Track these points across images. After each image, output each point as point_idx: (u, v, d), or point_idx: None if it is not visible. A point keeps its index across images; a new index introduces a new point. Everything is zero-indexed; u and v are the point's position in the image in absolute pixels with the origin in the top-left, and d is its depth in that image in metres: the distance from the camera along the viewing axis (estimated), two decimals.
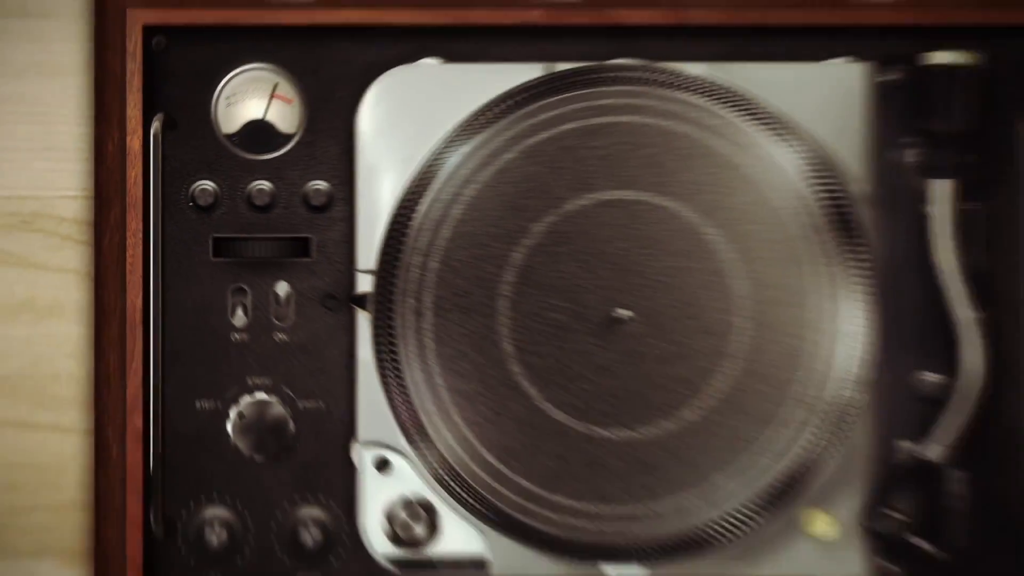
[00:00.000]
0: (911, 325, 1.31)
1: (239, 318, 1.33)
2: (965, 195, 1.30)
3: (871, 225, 1.29)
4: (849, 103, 1.30)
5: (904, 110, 1.30)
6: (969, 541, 1.31)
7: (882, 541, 1.28)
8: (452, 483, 1.30)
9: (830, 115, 1.30)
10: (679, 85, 1.28)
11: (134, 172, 1.30)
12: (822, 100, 1.30)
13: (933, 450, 1.26)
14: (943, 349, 1.30)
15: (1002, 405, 1.32)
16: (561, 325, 1.32)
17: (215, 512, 1.33)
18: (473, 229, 1.28)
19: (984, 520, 1.31)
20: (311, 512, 1.33)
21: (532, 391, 1.30)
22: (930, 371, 1.30)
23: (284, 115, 1.33)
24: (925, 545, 1.27)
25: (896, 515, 1.27)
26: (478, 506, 1.30)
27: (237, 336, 1.33)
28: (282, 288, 1.33)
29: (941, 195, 1.26)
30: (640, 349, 1.31)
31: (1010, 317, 1.32)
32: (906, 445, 1.29)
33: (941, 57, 1.26)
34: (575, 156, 1.28)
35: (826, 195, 1.27)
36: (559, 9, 1.30)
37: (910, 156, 1.30)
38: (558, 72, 1.28)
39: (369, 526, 1.32)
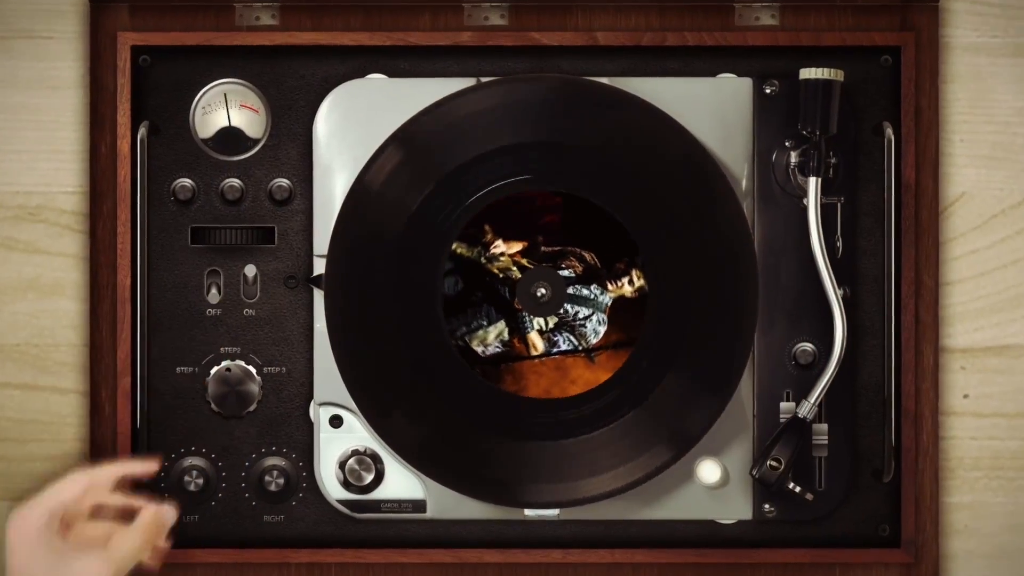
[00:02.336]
0: (789, 302, 1.38)
1: (213, 296, 1.38)
2: (830, 190, 1.37)
3: (753, 216, 1.37)
4: (736, 112, 1.37)
5: (782, 118, 1.36)
6: (835, 484, 1.39)
7: (766, 488, 1.35)
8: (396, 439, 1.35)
9: (720, 123, 1.36)
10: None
11: (124, 171, 1.36)
12: (713, 110, 1.36)
13: (805, 408, 1.35)
14: (816, 322, 1.37)
15: (862, 368, 1.39)
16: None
17: (193, 462, 1.38)
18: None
19: (848, 466, 1.39)
20: (275, 462, 1.38)
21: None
22: (805, 341, 1.39)
23: (251, 122, 1.37)
24: (799, 490, 1.35)
25: (776, 466, 1.33)
26: (416, 457, 1.36)
27: (211, 311, 1.38)
28: (250, 270, 1.37)
29: (812, 191, 1.33)
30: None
31: (868, 294, 1.39)
32: (785, 405, 1.38)
33: (812, 73, 1.31)
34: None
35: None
36: (485, 31, 1.37)
37: (786, 157, 1.37)
38: (485, 82, 1.34)
39: (324, 474, 1.38)
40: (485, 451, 1.36)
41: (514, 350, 1.44)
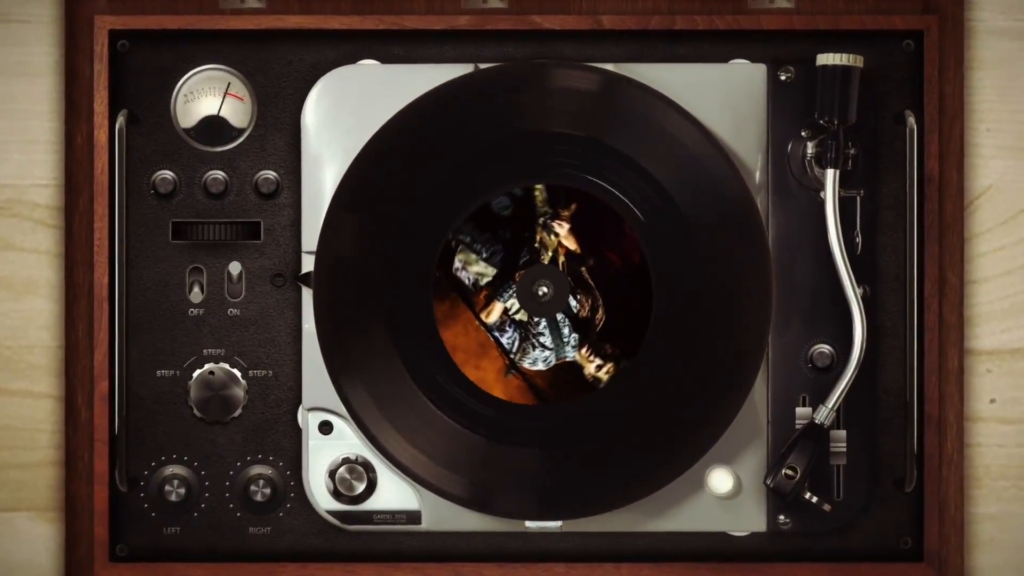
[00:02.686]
0: (805, 301, 1.35)
1: (195, 295, 1.36)
2: (849, 183, 1.35)
3: (767, 211, 1.35)
4: (750, 101, 1.35)
5: (798, 106, 1.34)
6: (854, 494, 1.36)
7: (781, 499, 1.33)
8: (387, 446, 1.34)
9: (732, 112, 1.34)
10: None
11: (101, 163, 1.34)
12: (725, 98, 1.34)
13: (822, 414, 1.32)
14: (833, 322, 1.35)
15: (883, 371, 1.37)
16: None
17: (174, 470, 1.36)
18: None
19: (867, 474, 1.36)
20: (261, 471, 1.36)
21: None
22: (822, 343, 1.36)
23: (236, 111, 1.35)
24: (816, 500, 1.32)
25: (792, 475, 1.31)
26: (410, 466, 1.34)
27: (194, 311, 1.36)
28: (235, 268, 1.36)
29: (830, 183, 1.30)
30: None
31: (889, 293, 1.37)
32: (801, 411, 1.35)
33: (830, 59, 1.29)
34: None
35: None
36: (484, 15, 1.35)
37: (802, 148, 1.34)
38: (483, 70, 1.32)
39: (313, 483, 1.36)
40: (483, 459, 1.34)
41: (475, 295, 1.44)
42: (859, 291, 1.33)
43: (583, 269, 1.44)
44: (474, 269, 1.43)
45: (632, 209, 1.33)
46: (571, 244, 1.43)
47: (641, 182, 1.33)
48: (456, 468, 1.34)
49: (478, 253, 1.43)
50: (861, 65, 1.29)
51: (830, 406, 1.31)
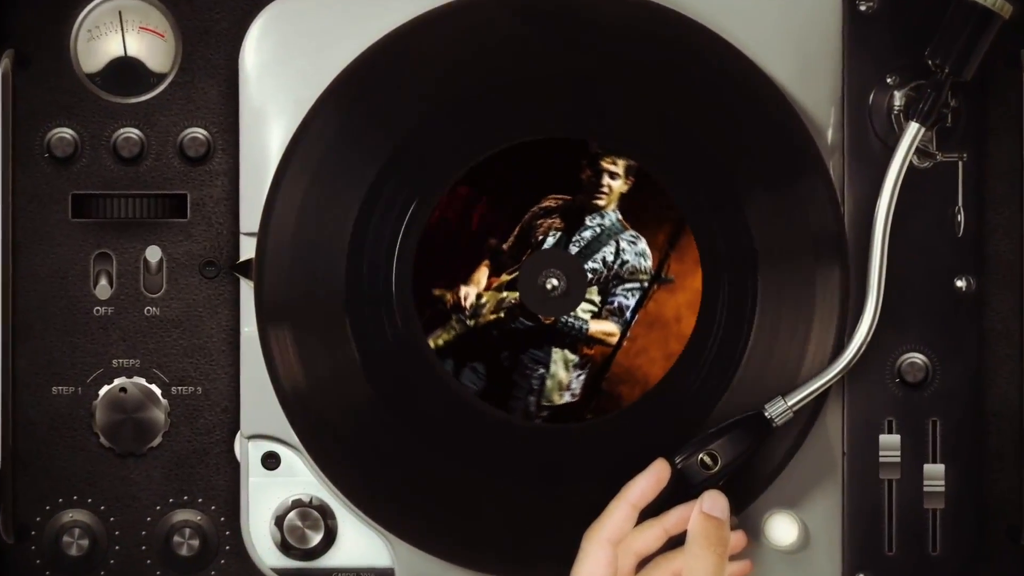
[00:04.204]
0: (893, 297, 1.26)
1: (102, 289, 1.31)
2: (949, 143, 1.28)
3: (843, 179, 1.27)
4: (821, 39, 1.27)
5: (883, 46, 1.27)
6: (956, 546, 1.28)
7: (684, 487, 1.24)
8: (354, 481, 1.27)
9: (799, 53, 1.27)
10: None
11: None
12: (789, 35, 1.27)
13: (778, 408, 1.23)
14: (930, 324, 1.28)
15: (992, 388, 1.31)
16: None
17: (75, 516, 1.31)
18: None
19: (973, 521, 1.28)
20: (187, 516, 1.31)
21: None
22: (914, 350, 1.27)
23: (155, 51, 1.31)
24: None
25: (709, 465, 1.24)
26: (384, 509, 1.27)
27: (100, 310, 1.31)
28: (153, 254, 1.31)
29: (908, 139, 1.22)
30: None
31: (999, 287, 1.31)
32: (887, 439, 1.26)
33: None
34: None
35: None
36: None
37: (888, 99, 1.26)
38: None
39: (255, 533, 1.30)
40: (472, 498, 1.27)
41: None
42: (960, 284, 1.25)
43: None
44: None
45: (668, 178, 1.28)
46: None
47: (679, 143, 1.28)
48: (437, 512, 1.28)
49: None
50: (1008, 15, 1.21)
51: (790, 403, 1.24)
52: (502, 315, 1.35)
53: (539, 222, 1.36)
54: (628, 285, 1.35)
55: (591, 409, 1.34)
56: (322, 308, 1.27)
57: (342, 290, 1.27)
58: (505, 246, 1.35)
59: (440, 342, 1.34)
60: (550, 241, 1.34)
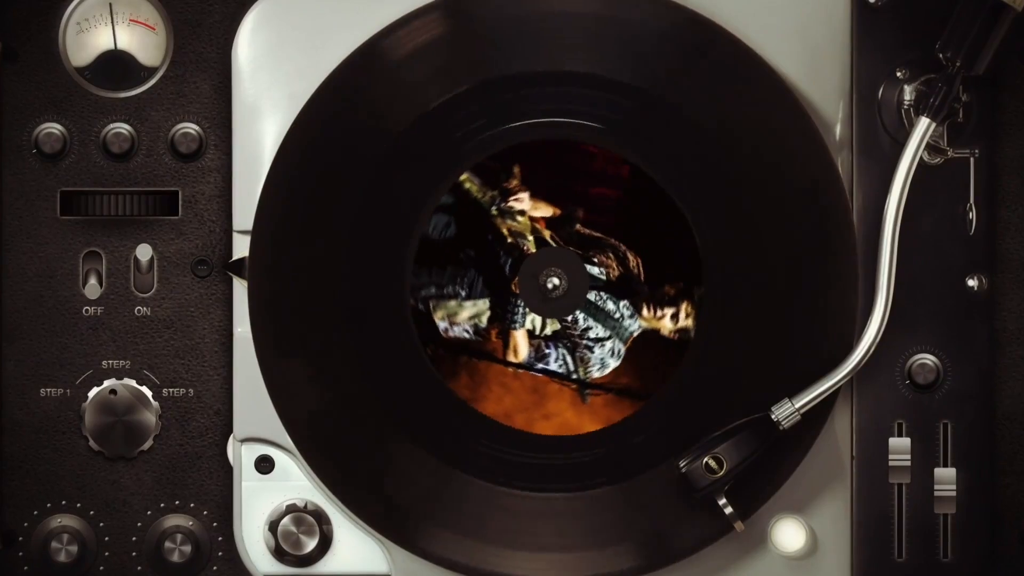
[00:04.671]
0: (903, 296, 1.25)
1: (92, 288, 1.31)
2: (960, 139, 1.27)
3: (852, 175, 1.28)
4: (829, 31, 1.27)
5: (893, 38, 1.27)
6: (968, 552, 1.28)
7: (689, 490, 1.26)
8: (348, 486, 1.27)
9: (806, 45, 1.27)
10: None
11: None
12: (796, 27, 1.27)
13: (784, 411, 1.25)
14: (941, 324, 1.28)
15: (1005, 390, 1.30)
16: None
17: (64, 521, 1.31)
18: None
19: (985, 527, 1.28)
20: (179, 522, 1.31)
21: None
22: (925, 351, 1.27)
23: (145, 44, 1.30)
24: (729, 512, 1.25)
25: (715, 469, 1.24)
26: (381, 514, 1.27)
27: (90, 309, 1.31)
28: (144, 252, 1.30)
29: (918, 134, 1.22)
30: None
31: (1012, 286, 1.30)
32: (896, 442, 1.25)
33: None
34: None
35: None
36: None
37: (898, 93, 1.26)
38: None
39: (248, 538, 1.30)
40: (472, 505, 1.27)
41: (487, 343, 1.37)
42: (972, 283, 1.25)
43: (578, 227, 1.37)
44: (465, 315, 1.36)
45: (672, 178, 1.27)
46: (544, 211, 1.37)
47: (683, 139, 1.27)
48: (445, 518, 1.28)
49: (455, 296, 1.36)
50: (1020, 8, 1.21)
51: (797, 405, 1.23)
52: (508, 238, 1.36)
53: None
54: (566, 356, 1.38)
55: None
56: (319, 309, 1.26)
57: (339, 290, 1.26)
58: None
59: (466, 184, 1.34)
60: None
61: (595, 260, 1.37)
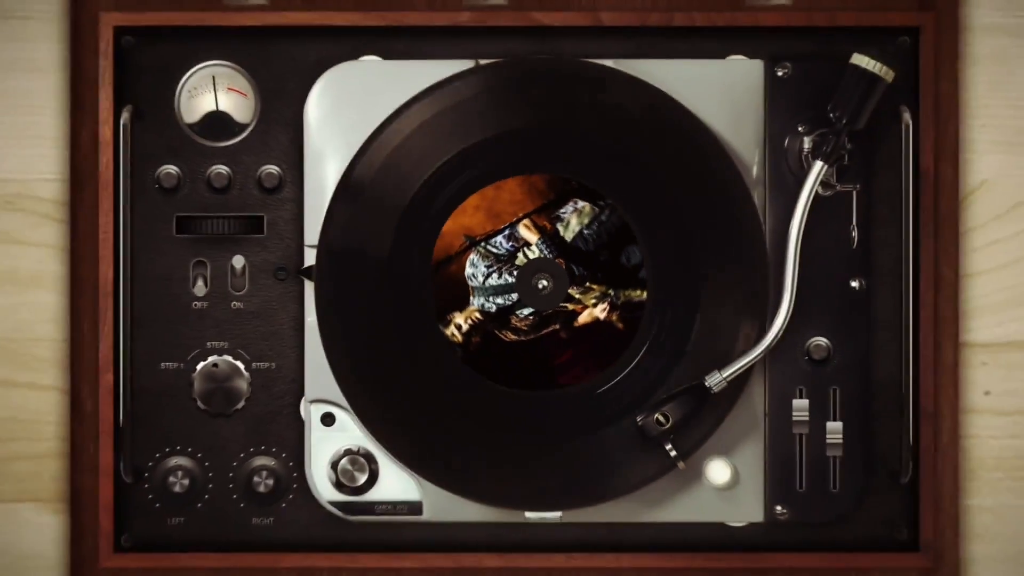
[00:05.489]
0: (803, 294, 1.34)
1: (199, 288, 1.36)
2: (845, 177, 1.34)
3: (765, 206, 1.35)
4: (747, 96, 1.34)
5: (795, 102, 1.34)
6: (850, 486, 1.37)
7: (642, 438, 1.32)
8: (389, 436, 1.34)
9: (731, 107, 1.34)
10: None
11: (105, 158, 1.34)
12: (723, 93, 1.34)
13: (714, 379, 1.30)
14: (830, 316, 1.35)
15: (878, 365, 1.37)
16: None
17: (178, 462, 1.36)
18: None
19: (863, 466, 1.36)
20: (264, 462, 1.37)
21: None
22: (819, 335, 1.36)
23: (239, 106, 1.36)
24: (674, 455, 1.32)
25: (663, 422, 1.30)
26: (415, 456, 1.34)
27: (198, 304, 1.36)
28: (238, 261, 1.36)
29: (813, 175, 1.30)
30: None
31: (884, 286, 1.37)
32: (798, 403, 1.35)
33: (865, 62, 1.29)
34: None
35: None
36: (485, 12, 1.35)
37: (799, 143, 1.34)
38: (484, 64, 1.33)
39: (316, 475, 1.36)
40: (482, 450, 1.35)
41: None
42: (856, 283, 1.35)
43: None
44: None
45: (628, 206, 1.36)
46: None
47: (637, 179, 1.34)
48: (455, 459, 1.35)
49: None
50: (891, 80, 1.28)
51: (724, 375, 1.31)
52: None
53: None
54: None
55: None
56: (364, 305, 1.33)
57: (381, 289, 1.32)
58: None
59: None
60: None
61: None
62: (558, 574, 1.38)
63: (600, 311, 1.44)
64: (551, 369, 1.50)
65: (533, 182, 1.46)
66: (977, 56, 1.37)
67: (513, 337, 1.46)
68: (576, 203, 1.44)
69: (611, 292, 1.44)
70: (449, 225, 1.37)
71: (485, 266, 1.45)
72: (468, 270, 1.48)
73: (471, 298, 1.47)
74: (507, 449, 1.34)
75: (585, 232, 1.45)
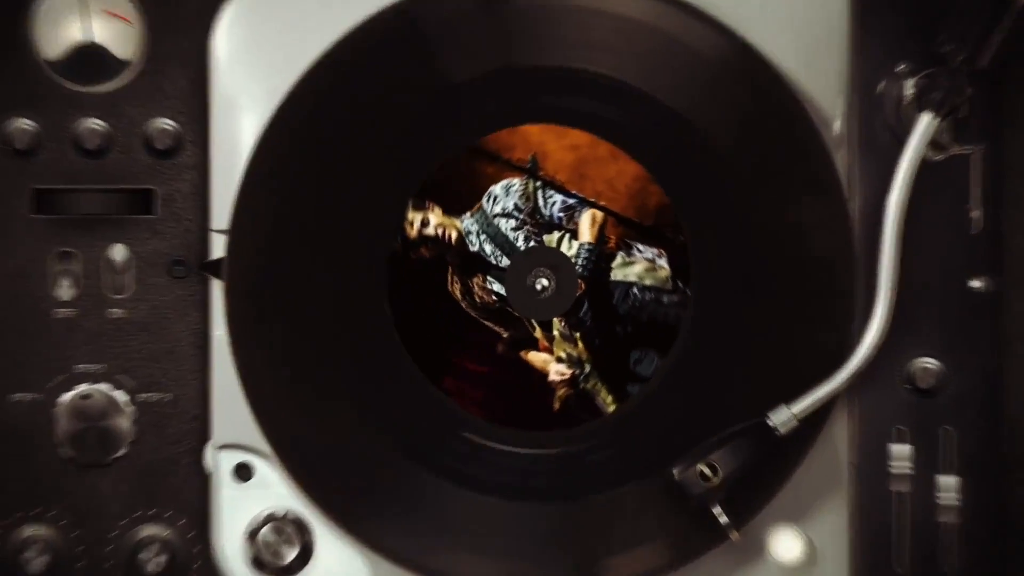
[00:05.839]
0: (905, 298, 1.24)
1: (65, 289, 1.29)
2: (964, 135, 1.26)
3: (852, 174, 1.26)
4: (828, 27, 1.26)
5: (894, 33, 1.26)
6: (973, 564, 1.26)
7: (683, 497, 1.25)
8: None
9: (804, 41, 1.26)
10: None
11: None
12: (795, 23, 1.26)
13: (782, 416, 1.24)
14: (944, 327, 1.27)
15: (1013, 395, 1.27)
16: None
17: (35, 530, 1.29)
18: None
19: (991, 538, 1.27)
20: (155, 531, 1.30)
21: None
22: (926, 355, 1.26)
23: (120, 37, 1.29)
24: (724, 521, 1.24)
25: (708, 476, 1.24)
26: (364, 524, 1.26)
27: (62, 312, 1.29)
28: (118, 252, 1.29)
29: (920, 131, 1.21)
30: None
31: (1019, 288, 1.28)
32: (897, 448, 1.24)
33: None
34: None
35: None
36: None
37: (898, 89, 1.24)
38: None
39: (226, 548, 1.29)
40: (458, 511, 1.27)
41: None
42: (979, 284, 1.25)
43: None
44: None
45: (660, 172, 1.27)
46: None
47: (675, 135, 1.26)
48: (430, 527, 1.27)
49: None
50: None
51: (795, 411, 1.23)
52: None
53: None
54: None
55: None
56: (298, 311, 1.25)
57: (320, 292, 1.25)
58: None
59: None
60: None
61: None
62: None
63: (556, 372, 1.35)
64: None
65: (650, 192, 1.36)
66: None
67: (458, 297, 1.36)
68: (661, 255, 1.35)
69: (586, 368, 1.35)
70: (527, 132, 1.31)
71: (513, 204, 1.35)
72: (495, 188, 1.37)
73: (466, 213, 1.36)
74: (487, 509, 1.27)
75: (634, 291, 1.35)
